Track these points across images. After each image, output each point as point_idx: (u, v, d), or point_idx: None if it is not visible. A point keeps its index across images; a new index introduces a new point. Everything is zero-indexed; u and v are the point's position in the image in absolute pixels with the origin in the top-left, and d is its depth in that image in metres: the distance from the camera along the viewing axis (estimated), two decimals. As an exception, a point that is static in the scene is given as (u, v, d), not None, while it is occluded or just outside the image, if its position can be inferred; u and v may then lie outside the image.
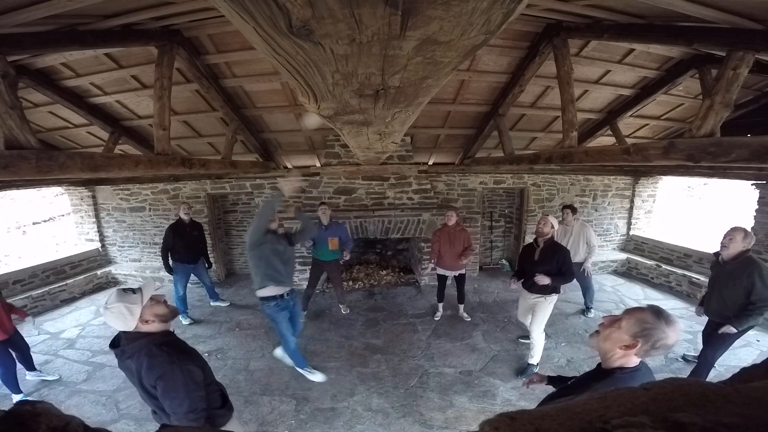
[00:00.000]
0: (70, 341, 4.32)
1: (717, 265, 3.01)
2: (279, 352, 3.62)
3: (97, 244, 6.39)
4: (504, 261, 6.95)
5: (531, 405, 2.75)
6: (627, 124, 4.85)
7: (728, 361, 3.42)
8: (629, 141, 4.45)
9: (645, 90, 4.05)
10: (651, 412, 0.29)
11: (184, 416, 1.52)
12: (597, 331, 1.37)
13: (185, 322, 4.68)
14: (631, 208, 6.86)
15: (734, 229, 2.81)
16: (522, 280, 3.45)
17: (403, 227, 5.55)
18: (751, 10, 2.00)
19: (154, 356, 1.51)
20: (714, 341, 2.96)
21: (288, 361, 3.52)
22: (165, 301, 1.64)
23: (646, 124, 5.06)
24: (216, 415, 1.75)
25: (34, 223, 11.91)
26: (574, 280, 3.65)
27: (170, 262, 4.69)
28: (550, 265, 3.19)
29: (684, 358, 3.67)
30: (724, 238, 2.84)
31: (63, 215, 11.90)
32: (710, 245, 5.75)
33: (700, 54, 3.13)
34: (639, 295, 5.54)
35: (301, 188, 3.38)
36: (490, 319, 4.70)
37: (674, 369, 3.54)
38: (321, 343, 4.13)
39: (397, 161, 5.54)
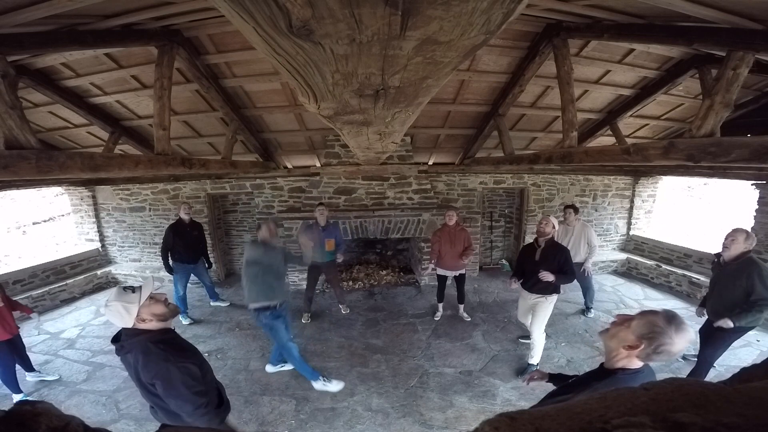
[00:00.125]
0: (70, 341, 4.32)
1: (718, 265, 3.01)
2: (270, 368, 3.58)
3: (97, 244, 6.39)
4: (504, 261, 6.95)
5: (531, 405, 2.75)
6: (627, 124, 4.85)
7: (728, 361, 3.42)
8: (629, 141, 4.45)
9: (645, 90, 4.05)
10: (651, 412, 0.29)
11: (194, 412, 1.57)
12: (607, 329, 1.36)
13: (185, 322, 4.68)
14: (631, 208, 6.86)
15: (736, 230, 2.82)
16: (522, 279, 3.46)
17: (403, 227, 5.55)
18: (751, 10, 2.00)
19: (149, 353, 1.54)
20: (714, 341, 2.96)
21: (287, 366, 3.53)
22: (165, 300, 1.65)
23: (646, 124, 5.06)
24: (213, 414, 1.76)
25: (34, 223, 11.91)
26: (575, 280, 3.65)
27: (170, 262, 4.69)
28: (551, 265, 3.19)
29: (684, 357, 3.67)
30: (726, 239, 2.84)
31: (63, 215, 11.90)
32: (710, 245, 5.76)
33: (700, 54, 3.13)
34: (639, 295, 5.54)
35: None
36: (490, 319, 4.70)
37: (674, 369, 3.54)
38: (321, 343, 4.13)
39: (397, 161, 5.53)
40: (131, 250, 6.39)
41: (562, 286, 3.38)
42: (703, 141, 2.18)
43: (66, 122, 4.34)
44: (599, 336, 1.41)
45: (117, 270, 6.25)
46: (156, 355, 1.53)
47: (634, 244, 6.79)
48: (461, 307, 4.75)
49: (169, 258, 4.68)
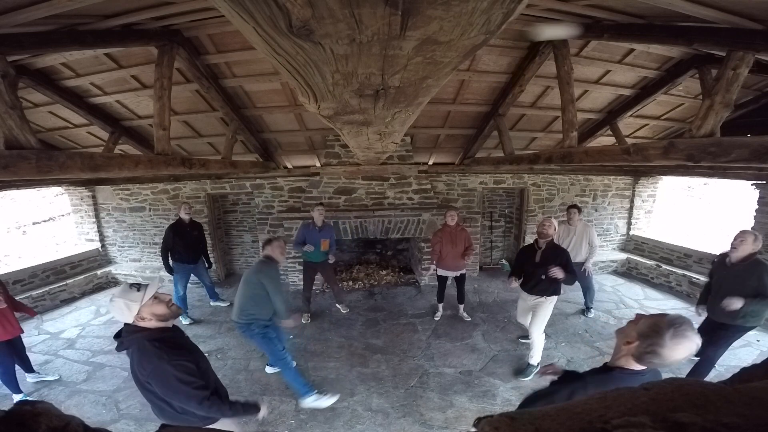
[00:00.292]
0: (70, 341, 4.32)
1: (723, 266, 3.03)
2: (270, 368, 3.55)
3: (97, 244, 6.39)
4: (504, 261, 6.94)
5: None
6: (627, 124, 4.85)
7: (728, 361, 3.42)
8: (629, 141, 4.45)
9: (645, 90, 4.05)
10: (651, 412, 0.29)
11: (199, 406, 1.60)
12: (623, 327, 1.37)
13: (185, 322, 4.68)
14: (631, 208, 6.86)
15: (745, 232, 2.89)
16: (521, 279, 3.45)
17: (403, 227, 5.55)
18: (751, 10, 2.00)
19: (144, 350, 1.57)
20: (716, 339, 2.97)
21: None
22: (169, 302, 1.66)
23: (646, 124, 5.06)
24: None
25: (34, 223, 11.91)
26: (576, 281, 3.65)
27: (170, 262, 4.69)
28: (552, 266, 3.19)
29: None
30: (735, 239, 2.89)
31: (63, 215, 11.90)
32: (710, 245, 5.77)
33: (700, 54, 3.13)
34: (639, 295, 5.54)
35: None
36: (490, 319, 4.70)
37: (674, 368, 3.54)
38: (321, 343, 4.13)
39: (397, 161, 5.53)
40: (131, 250, 6.39)
41: (561, 286, 3.38)
42: (703, 141, 2.18)
43: (66, 122, 4.34)
44: (615, 334, 1.42)
45: (117, 270, 6.25)
46: (150, 352, 1.55)
47: (634, 244, 6.79)
48: (461, 307, 4.75)
49: (169, 258, 4.68)
